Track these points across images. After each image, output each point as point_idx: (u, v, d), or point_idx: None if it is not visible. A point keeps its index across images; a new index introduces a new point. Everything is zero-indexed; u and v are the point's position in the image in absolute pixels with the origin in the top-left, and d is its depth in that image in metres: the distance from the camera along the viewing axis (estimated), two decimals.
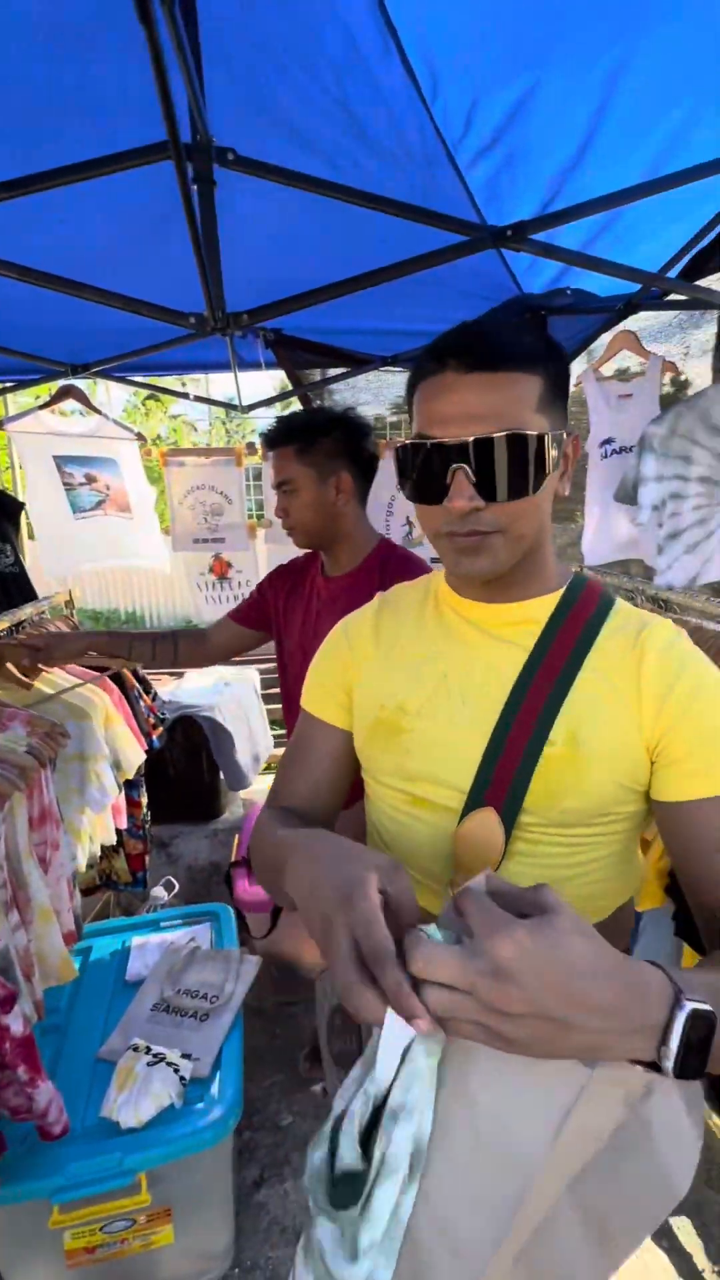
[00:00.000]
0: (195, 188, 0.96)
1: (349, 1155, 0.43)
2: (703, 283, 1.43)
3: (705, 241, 1.34)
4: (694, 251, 1.38)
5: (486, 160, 1.33)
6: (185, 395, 2.29)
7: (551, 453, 0.60)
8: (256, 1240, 1.48)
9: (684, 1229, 1.43)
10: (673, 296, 1.72)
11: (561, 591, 0.69)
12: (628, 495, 1.65)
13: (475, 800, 0.65)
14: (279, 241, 1.55)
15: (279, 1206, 1.53)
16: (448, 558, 0.66)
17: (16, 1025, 1.12)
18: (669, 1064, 0.39)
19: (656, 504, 1.64)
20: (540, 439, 0.58)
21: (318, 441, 1.32)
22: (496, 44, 1.07)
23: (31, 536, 2.29)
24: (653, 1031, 0.39)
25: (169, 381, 4.90)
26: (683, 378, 2.04)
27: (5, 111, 1.04)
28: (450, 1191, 0.42)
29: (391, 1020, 0.39)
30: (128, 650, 1.56)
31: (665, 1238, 1.42)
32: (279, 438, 1.34)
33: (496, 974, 0.37)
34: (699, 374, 2.23)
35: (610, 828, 0.65)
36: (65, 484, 2.07)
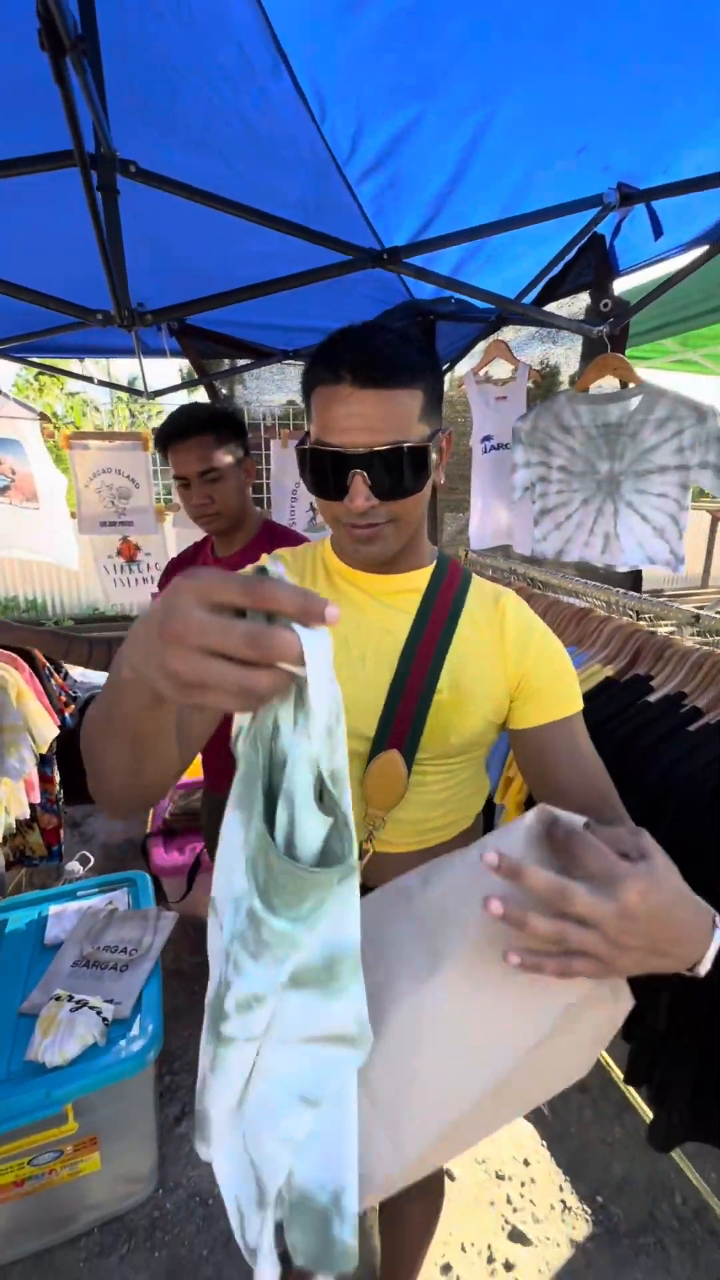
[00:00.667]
0: (100, 195, 1.05)
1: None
2: (556, 305, 1.66)
3: (555, 271, 1.57)
4: (547, 278, 1.61)
5: (372, 180, 1.49)
6: (89, 379, 2.31)
7: (432, 455, 0.70)
8: (179, 1165, 1.61)
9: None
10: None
11: (433, 566, 0.82)
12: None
13: (380, 744, 0.76)
14: (183, 237, 1.64)
15: None
16: (347, 544, 0.75)
17: None
18: (702, 969, 0.49)
19: (527, 486, 1.90)
20: (424, 447, 0.68)
21: (232, 431, 1.43)
22: (379, 78, 1.22)
23: None
24: (703, 946, 0.49)
25: (69, 363, 4.71)
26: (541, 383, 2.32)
27: None
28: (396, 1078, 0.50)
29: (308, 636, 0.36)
30: (64, 651, 1.57)
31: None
32: (198, 427, 1.40)
33: (623, 914, 0.43)
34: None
35: (474, 754, 0.82)
36: None
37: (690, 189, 1.27)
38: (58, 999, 1.45)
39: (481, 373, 2.10)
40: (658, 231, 1.22)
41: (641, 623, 1.50)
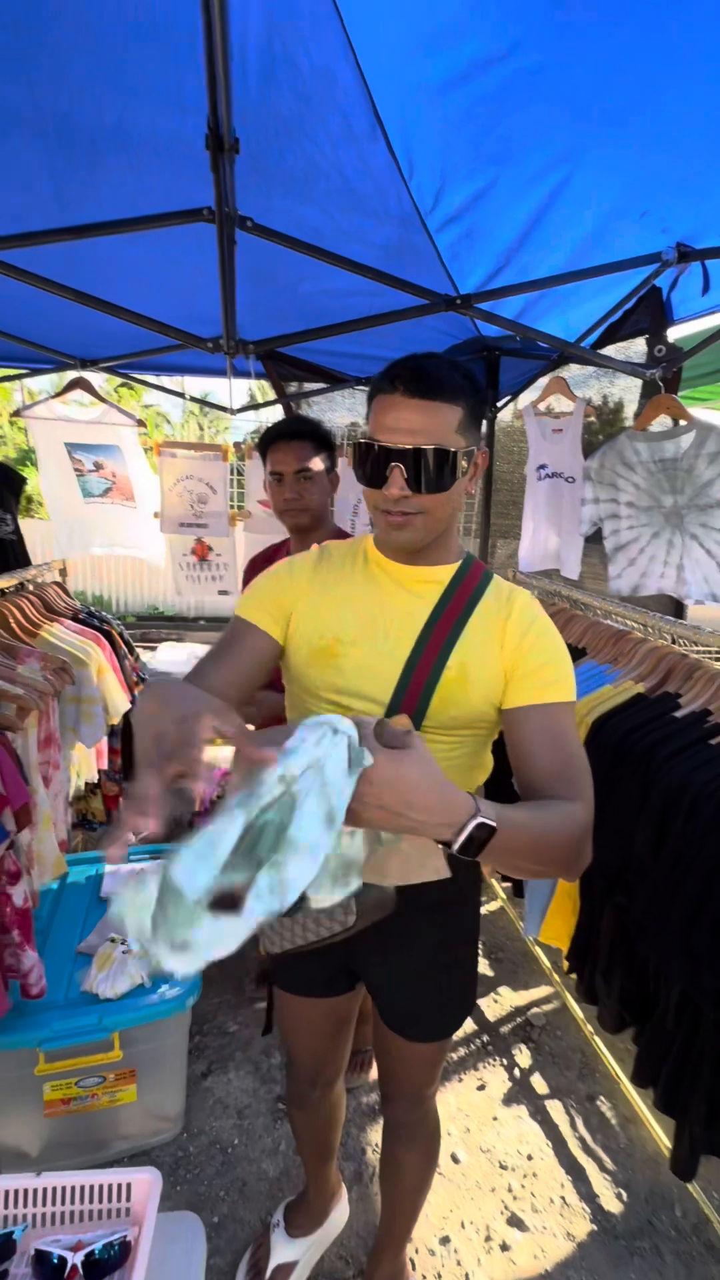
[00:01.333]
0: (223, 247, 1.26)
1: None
2: (614, 348, 1.79)
3: (614, 318, 1.70)
4: (606, 324, 1.74)
5: (450, 230, 1.67)
6: (181, 395, 2.56)
7: (462, 463, 0.83)
8: (203, 1114, 1.74)
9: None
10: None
11: (458, 564, 0.94)
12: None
13: (393, 710, 0.87)
14: (283, 275, 1.86)
15: (223, 1090, 1.80)
16: (382, 528, 0.88)
17: (19, 898, 1.37)
18: (456, 845, 0.63)
19: (595, 521, 2.02)
20: (454, 453, 0.80)
21: (327, 443, 1.64)
22: (463, 147, 1.40)
23: (25, 514, 2.50)
24: (453, 827, 0.63)
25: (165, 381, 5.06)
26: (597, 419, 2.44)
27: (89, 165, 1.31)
28: None
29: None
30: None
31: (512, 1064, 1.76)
32: (301, 433, 1.60)
33: (364, 779, 0.60)
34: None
35: (475, 731, 0.91)
36: (75, 470, 2.29)
37: None
38: (113, 941, 1.62)
39: (541, 406, 2.24)
40: (706, 287, 1.34)
41: (676, 646, 1.59)
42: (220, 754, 0.74)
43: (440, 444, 0.81)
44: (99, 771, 2.03)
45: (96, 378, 2.33)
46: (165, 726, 0.59)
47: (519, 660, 0.88)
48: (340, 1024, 1.19)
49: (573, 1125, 1.75)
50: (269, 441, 1.62)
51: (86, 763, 1.92)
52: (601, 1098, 1.82)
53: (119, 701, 1.97)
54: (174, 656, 2.94)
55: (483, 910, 2.67)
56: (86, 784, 2.01)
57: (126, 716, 2.08)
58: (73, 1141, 1.57)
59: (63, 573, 2.37)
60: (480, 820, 0.63)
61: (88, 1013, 1.46)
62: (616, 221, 1.54)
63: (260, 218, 1.40)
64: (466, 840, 0.63)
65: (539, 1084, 1.86)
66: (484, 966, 2.30)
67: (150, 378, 2.68)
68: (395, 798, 0.61)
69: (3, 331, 2.04)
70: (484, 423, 0.94)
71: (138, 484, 2.51)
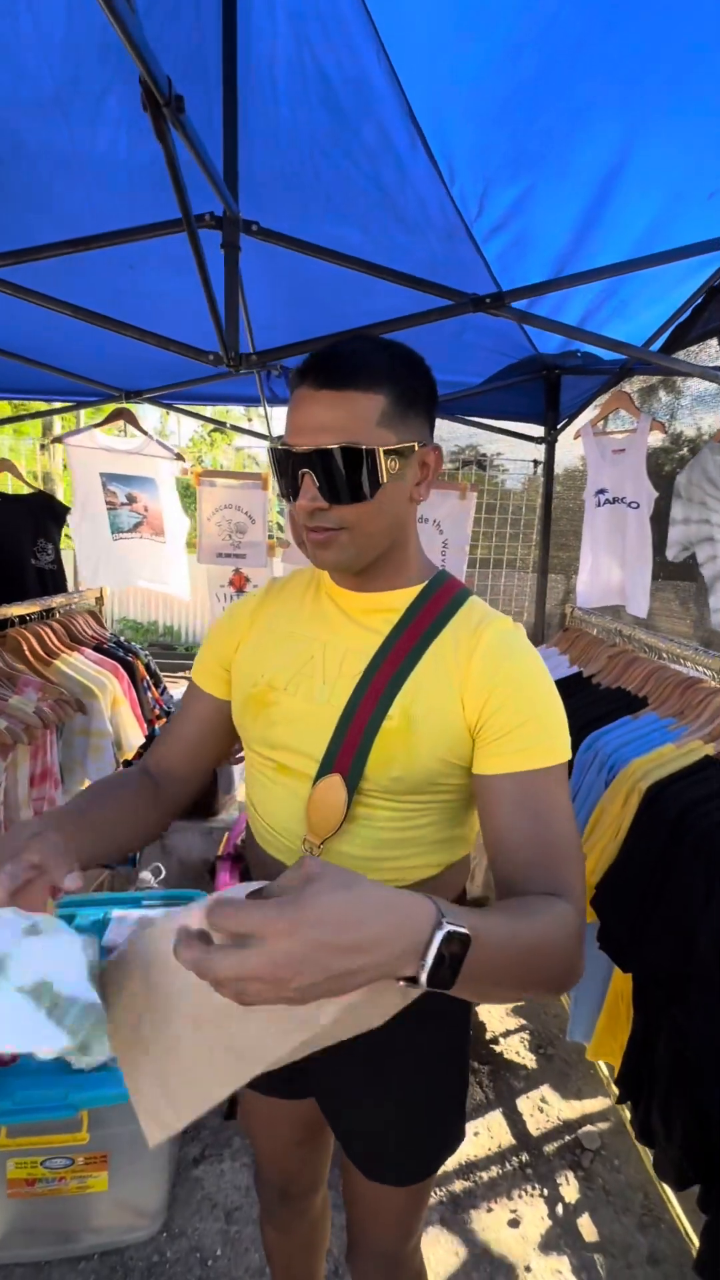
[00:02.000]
0: (223, 252, 1.17)
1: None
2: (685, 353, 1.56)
3: (684, 317, 1.48)
4: (675, 325, 1.52)
5: (499, 238, 1.53)
6: (222, 424, 2.54)
7: (388, 464, 0.67)
8: (188, 1212, 1.54)
9: None
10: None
11: (422, 586, 0.77)
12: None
13: (326, 768, 0.72)
14: (309, 291, 1.78)
15: (214, 1184, 1.60)
16: (306, 550, 0.73)
17: None
18: (423, 975, 0.44)
19: (685, 545, 1.76)
20: (372, 452, 0.65)
21: None
22: (504, 144, 1.27)
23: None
24: (416, 951, 0.44)
25: (235, 418, 5.22)
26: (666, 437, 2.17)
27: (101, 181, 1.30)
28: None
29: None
30: None
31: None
32: None
33: (276, 963, 0.40)
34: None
35: (437, 798, 0.73)
36: (108, 503, 2.31)
37: None
38: None
39: (600, 424, 2.01)
40: None
41: None
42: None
43: (352, 441, 0.65)
44: None
45: (190, 425, 2.34)
46: None
47: (487, 714, 0.69)
48: (310, 1131, 0.97)
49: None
50: None
51: None
52: (667, 1261, 1.46)
53: (132, 736, 1.88)
54: None
55: None
56: None
57: (142, 751, 1.98)
58: (38, 1228, 1.41)
59: (99, 601, 2.35)
60: (450, 928, 0.45)
61: (54, 1084, 1.32)
62: (679, 206, 1.35)
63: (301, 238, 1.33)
64: (436, 961, 0.45)
65: (587, 1228, 1.53)
66: (530, 1064, 1.98)
67: (203, 409, 2.69)
68: (332, 952, 0.42)
69: (51, 366, 2.08)
70: (433, 414, 0.76)
71: (169, 518, 2.50)
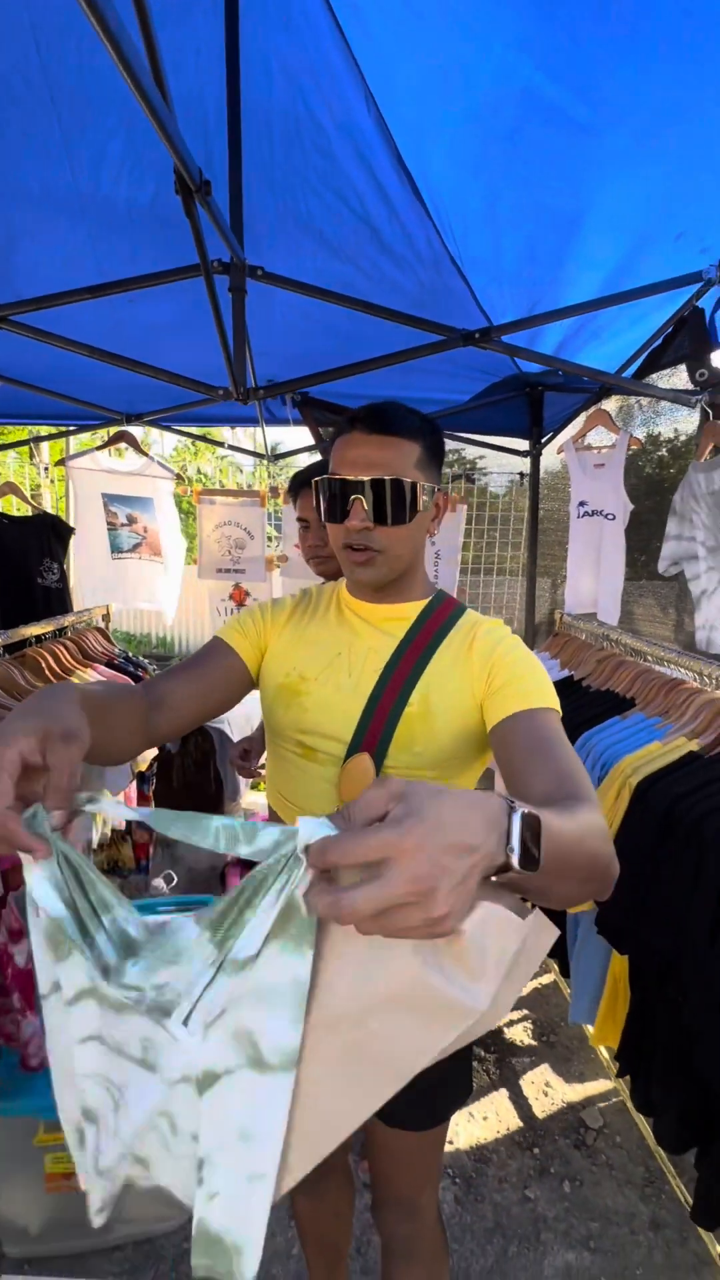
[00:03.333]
0: (230, 295, 1.26)
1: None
2: (661, 377, 1.68)
3: (656, 344, 1.59)
4: (648, 352, 1.63)
5: (480, 270, 1.63)
6: (221, 444, 2.62)
7: (423, 498, 0.84)
8: None
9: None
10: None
11: (427, 600, 0.93)
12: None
13: (354, 748, 0.85)
14: (305, 323, 1.88)
15: None
16: (346, 567, 0.88)
17: (21, 959, 1.33)
18: (515, 859, 0.44)
19: (674, 560, 1.86)
20: (414, 486, 0.82)
21: None
22: (479, 191, 1.38)
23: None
24: (503, 837, 0.44)
25: (219, 431, 5.30)
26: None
27: (102, 221, 1.38)
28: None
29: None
30: None
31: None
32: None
33: (419, 877, 0.38)
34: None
35: (443, 771, 0.86)
36: (109, 523, 2.38)
37: None
38: None
39: (582, 440, 2.13)
40: None
41: None
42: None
43: (399, 476, 0.82)
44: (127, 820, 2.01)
45: (174, 437, 2.39)
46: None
47: (492, 676, 0.84)
48: None
49: (631, 1260, 1.49)
50: (297, 487, 1.59)
51: None
52: (668, 1227, 1.56)
53: None
54: None
55: (534, 984, 2.42)
56: (114, 830, 1.99)
57: (156, 760, 2.06)
58: (75, 1220, 1.47)
59: (105, 619, 2.42)
60: (521, 809, 0.46)
61: None
62: (649, 246, 1.46)
63: (294, 275, 1.42)
64: (521, 845, 0.44)
65: (593, 1201, 1.62)
66: (534, 1051, 2.07)
67: (212, 431, 2.77)
68: (457, 855, 0.40)
69: (56, 392, 2.16)
70: (443, 468, 0.94)
71: (166, 539, 2.58)
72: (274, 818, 0.99)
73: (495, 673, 0.84)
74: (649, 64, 0.99)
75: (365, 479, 0.82)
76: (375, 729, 0.85)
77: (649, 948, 1.24)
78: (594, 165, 1.26)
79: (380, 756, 0.84)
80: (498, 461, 2.98)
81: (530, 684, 0.81)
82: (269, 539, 2.81)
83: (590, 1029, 1.61)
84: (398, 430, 0.83)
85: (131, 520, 2.51)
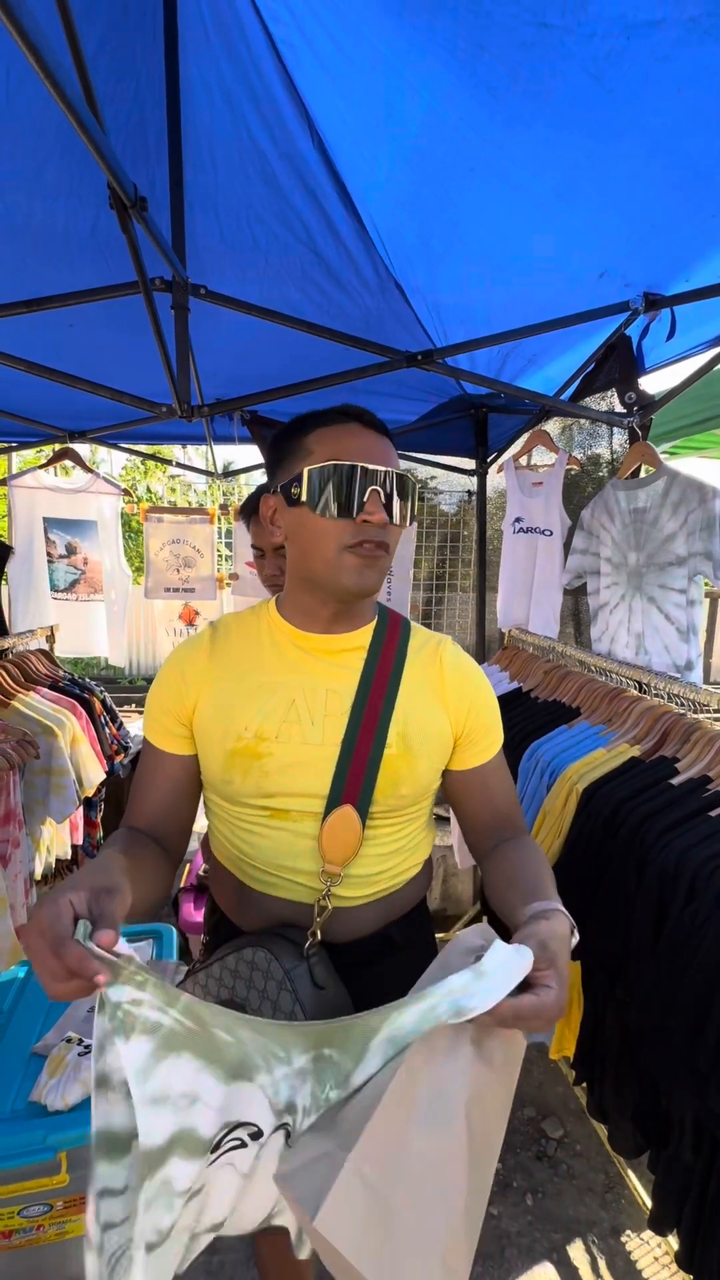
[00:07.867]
0: (173, 313, 1.26)
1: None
2: (595, 400, 1.76)
3: (588, 370, 1.67)
4: (581, 377, 1.72)
5: (423, 298, 1.69)
6: (169, 462, 2.59)
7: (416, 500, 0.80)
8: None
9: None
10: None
11: (374, 622, 0.85)
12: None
13: (334, 802, 0.77)
14: (253, 344, 1.89)
15: None
16: (350, 569, 0.75)
17: None
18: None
19: (578, 574, 1.93)
20: (416, 487, 0.79)
21: None
22: (414, 228, 1.42)
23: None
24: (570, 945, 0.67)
25: (171, 450, 5.24)
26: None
27: (38, 248, 1.36)
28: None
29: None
30: None
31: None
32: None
33: (561, 998, 0.60)
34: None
35: (423, 804, 0.86)
36: (48, 554, 2.29)
37: (711, 294, 1.35)
38: (68, 1040, 1.48)
39: (521, 459, 2.20)
40: (671, 333, 1.30)
41: (671, 705, 1.47)
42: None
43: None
44: (73, 846, 1.93)
45: (121, 455, 2.32)
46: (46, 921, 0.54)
47: (470, 722, 0.85)
48: None
49: (594, 1269, 1.50)
50: (250, 513, 1.57)
51: (58, 838, 1.82)
52: (629, 1232, 1.57)
53: (93, 773, 1.89)
54: None
55: None
56: (58, 860, 1.91)
57: (103, 785, 1.99)
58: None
59: (50, 639, 2.34)
60: (570, 922, 0.70)
61: (31, 1128, 1.31)
62: (575, 284, 1.53)
63: (241, 296, 1.42)
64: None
65: (556, 1211, 1.62)
66: None
67: (162, 450, 2.73)
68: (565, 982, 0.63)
69: None
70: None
71: (108, 569, 2.48)
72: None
73: (474, 717, 0.84)
74: (561, 120, 1.03)
75: (383, 469, 0.73)
76: (355, 779, 0.77)
77: (598, 950, 1.26)
78: (518, 215, 1.31)
79: (365, 805, 0.78)
80: (448, 480, 3.06)
81: (495, 732, 0.87)
82: (220, 556, 2.78)
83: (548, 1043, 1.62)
84: (388, 433, 0.79)
85: (71, 551, 2.40)
